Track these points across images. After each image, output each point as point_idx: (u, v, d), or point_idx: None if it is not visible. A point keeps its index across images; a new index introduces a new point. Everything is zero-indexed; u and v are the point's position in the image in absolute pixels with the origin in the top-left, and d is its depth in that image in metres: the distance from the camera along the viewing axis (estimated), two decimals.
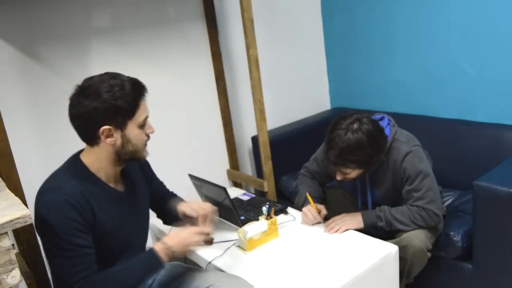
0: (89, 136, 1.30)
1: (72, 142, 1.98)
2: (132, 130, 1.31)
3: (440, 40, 2.34)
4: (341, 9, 2.78)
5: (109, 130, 1.28)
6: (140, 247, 1.55)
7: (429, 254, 1.74)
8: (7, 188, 1.30)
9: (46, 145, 1.93)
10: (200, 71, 2.38)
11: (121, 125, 1.29)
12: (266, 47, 2.59)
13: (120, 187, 1.43)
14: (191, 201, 1.63)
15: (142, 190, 1.53)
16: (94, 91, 1.25)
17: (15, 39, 1.80)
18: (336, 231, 1.77)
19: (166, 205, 1.66)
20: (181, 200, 1.69)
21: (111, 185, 1.39)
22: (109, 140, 1.29)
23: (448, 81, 2.37)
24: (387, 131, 1.78)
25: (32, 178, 1.88)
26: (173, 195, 1.73)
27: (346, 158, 1.66)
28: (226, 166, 2.59)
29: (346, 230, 1.77)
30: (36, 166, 1.91)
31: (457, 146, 2.22)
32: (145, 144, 1.38)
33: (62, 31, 1.91)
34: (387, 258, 1.62)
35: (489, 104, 2.24)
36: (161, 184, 1.71)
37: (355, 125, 1.65)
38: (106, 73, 1.31)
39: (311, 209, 1.85)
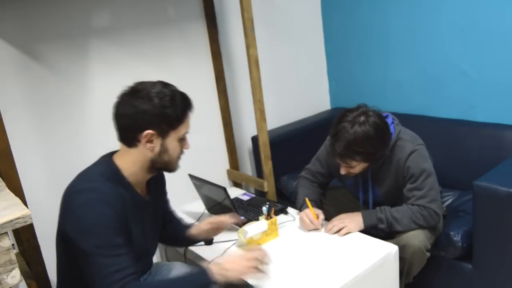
0: (130, 137, 1.29)
1: (72, 142, 1.99)
2: (172, 141, 1.32)
3: (440, 40, 2.34)
4: (341, 9, 2.78)
5: (152, 135, 1.28)
6: (152, 254, 1.55)
7: (428, 254, 1.74)
8: (7, 188, 1.30)
9: (46, 145, 1.93)
10: (200, 71, 2.38)
11: (163, 133, 1.30)
12: (266, 47, 2.59)
13: (144, 194, 1.43)
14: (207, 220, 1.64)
15: (159, 199, 1.54)
16: (146, 94, 1.26)
17: (15, 39, 1.80)
18: (336, 233, 1.77)
19: (167, 223, 1.66)
20: (190, 226, 1.69)
21: (138, 191, 1.38)
22: (148, 145, 1.29)
23: (448, 81, 2.37)
24: (391, 129, 1.78)
25: (32, 178, 1.89)
26: (176, 217, 1.71)
27: (353, 150, 1.65)
28: (226, 166, 2.59)
29: (347, 233, 1.77)
30: (36, 166, 1.91)
31: (457, 146, 2.22)
32: (179, 158, 1.39)
33: (62, 31, 1.91)
34: (387, 258, 1.62)
35: (489, 104, 2.24)
36: (167, 201, 1.69)
37: (362, 118, 1.66)
38: (159, 81, 1.32)
39: (309, 214, 1.84)
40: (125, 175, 1.32)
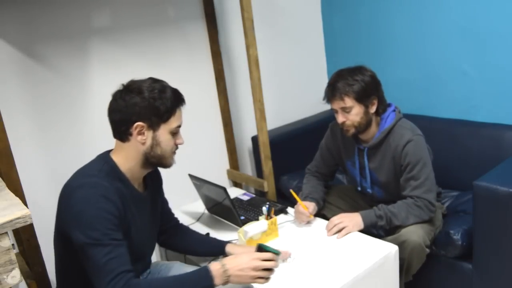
0: (122, 131, 1.32)
1: (72, 142, 1.99)
2: (163, 133, 1.34)
3: (440, 40, 2.34)
4: (341, 9, 2.78)
5: (142, 127, 1.31)
6: (148, 258, 1.55)
7: (427, 250, 1.74)
8: (7, 188, 1.29)
9: (46, 145, 1.93)
10: (200, 71, 2.38)
11: (154, 126, 1.32)
12: (266, 47, 2.59)
13: (142, 190, 1.44)
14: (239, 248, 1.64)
15: (156, 196, 1.54)
16: (136, 88, 1.32)
17: (15, 39, 1.80)
18: (335, 234, 1.77)
19: (171, 227, 1.67)
20: (218, 241, 1.69)
21: (136, 186, 1.40)
22: (140, 137, 1.32)
23: (448, 81, 2.37)
24: (392, 116, 1.83)
25: (32, 178, 1.88)
26: (180, 224, 1.73)
27: (349, 84, 1.76)
28: (226, 166, 2.59)
29: (347, 233, 1.77)
30: (36, 166, 1.91)
31: (457, 146, 2.22)
32: (174, 153, 1.40)
33: (62, 31, 1.91)
34: (387, 258, 1.62)
35: (489, 104, 2.24)
36: (166, 201, 1.69)
37: (358, 73, 1.79)
38: (149, 77, 1.37)
39: (299, 206, 1.87)
40: (122, 170, 1.35)
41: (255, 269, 1.26)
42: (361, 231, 1.78)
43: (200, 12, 2.33)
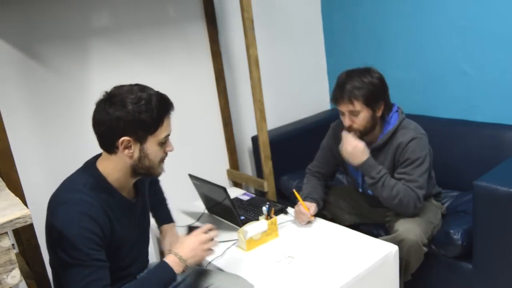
0: (108, 144, 1.29)
1: (72, 142, 1.99)
2: (151, 145, 1.29)
3: (440, 40, 2.34)
4: (341, 9, 2.78)
5: (128, 141, 1.26)
6: (145, 258, 1.55)
7: (425, 249, 1.74)
8: (7, 188, 1.29)
9: (46, 145, 1.93)
10: (200, 71, 2.38)
11: (141, 139, 1.27)
12: (266, 47, 2.59)
13: (131, 196, 1.42)
14: (172, 237, 1.67)
15: (146, 197, 1.54)
16: (120, 100, 1.24)
17: (15, 39, 1.80)
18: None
19: (157, 209, 1.70)
20: (170, 221, 1.73)
21: (124, 194, 1.38)
22: (126, 151, 1.27)
23: (448, 81, 2.37)
24: (395, 117, 1.83)
25: (32, 178, 1.89)
26: (165, 204, 1.75)
27: (357, 86, 1.74)
28: (226, 166, 2.59)
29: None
30: (36, 166, 1.91)
31: (457, 146, 2.22)
32: (162, 161, 1.37)
33: (62, 31, 1.91)
34: (387, 258, 1.62)
35: (489, 104, 2.24)
36: (160, 190, 1.72)
37: (367, 74, 1.78)
38: (136, 84, 1.30)
39: (299, 206, 1.87)
40: (109, 181, 1.32)
41: (204, 242, 1.38)
42: (361, 231, 1.79)
43: (200, 12, 2.33)
